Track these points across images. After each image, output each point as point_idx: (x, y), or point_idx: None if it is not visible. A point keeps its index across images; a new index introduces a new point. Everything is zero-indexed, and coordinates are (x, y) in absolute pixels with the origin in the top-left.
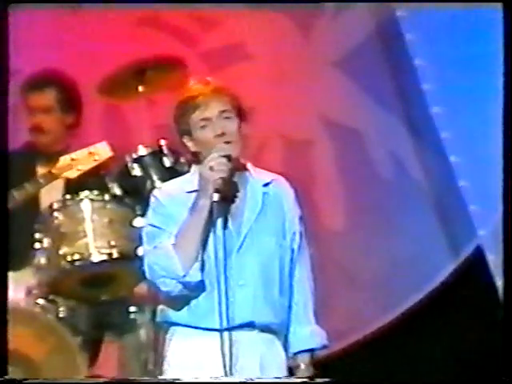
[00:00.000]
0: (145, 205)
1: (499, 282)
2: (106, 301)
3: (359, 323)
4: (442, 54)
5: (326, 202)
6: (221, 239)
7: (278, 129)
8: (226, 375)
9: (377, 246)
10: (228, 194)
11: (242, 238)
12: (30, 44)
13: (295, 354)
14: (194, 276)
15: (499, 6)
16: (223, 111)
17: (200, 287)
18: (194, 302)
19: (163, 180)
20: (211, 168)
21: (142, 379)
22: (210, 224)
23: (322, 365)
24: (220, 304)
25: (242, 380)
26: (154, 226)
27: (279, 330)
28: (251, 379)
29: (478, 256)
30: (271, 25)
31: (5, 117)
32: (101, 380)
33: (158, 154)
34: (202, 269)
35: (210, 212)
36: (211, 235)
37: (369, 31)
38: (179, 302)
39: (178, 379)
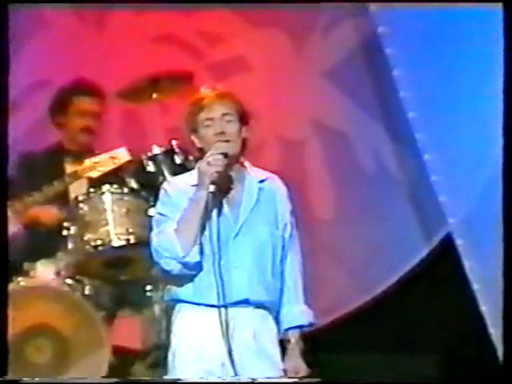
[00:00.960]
0: (158, 197)
1: (467, 264)
2: (125, 280)
3: (344, 300)
4: (417, 65)
5: (317, 194)
6: (220, 227)
7: (275, 130)
8: (226, 346)
9: (360, 233)
10: (223, 186)
11: (239, 227)
12: (58, 57)
13: (286, 329)
14: (193, 257)
15: (499, 5)
16: (226, 114)
17: (198, 267)
18: (196, 282)
19: (174, 175)
20: (208, 163)
21: (143, 379)
22: (208, 212)
23: (311, 338)
24: (218, 283)
25: (244, 380)
26: (162, 214)
27: (272, 308)
28: (252, 379)
29: (448, 241)
30: (268, 40)
31: (5, 116)
32: (101, 380)
33: (169, 152)
34: (201, 251)
35: (208, 202)
36: (210, 222)
37: (354, 46)
38: (183, 281)
39: (180, 379)
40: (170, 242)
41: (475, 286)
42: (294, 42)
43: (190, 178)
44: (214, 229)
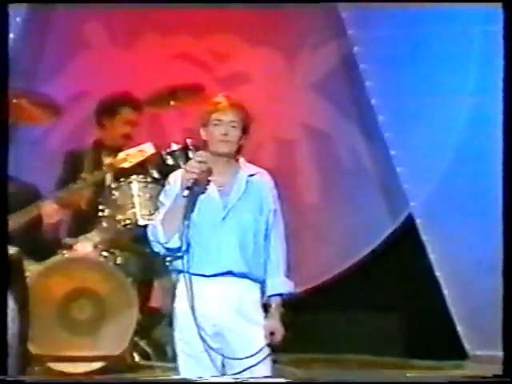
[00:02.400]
0: None
1: (424, 238)
2: (149, 253)
3: (325, 270)
4: (384, 78)
5: (305, 183)
6: (211, 210)
7: (271, 132)
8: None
9: (339, 214)
10: (218, 178)
11: (226, 211)
12: (96, 72)
13: (268, 296)
14: (174, 243)
15: (499, 6)
16: (233, 120)
17: (179, 251)
18: (190, 256)
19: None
20: (186, 170)
21: (144, 379)
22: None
23: (292, 303)
24: (206, 258)
25: (239, 380)
26: (161, 203)
27: (255, 278)
28: (250, 379)
29: (410, 220)
30: (266, 57)
31: (5, 116)
32: (103, 380)
33: (184, 149)
34: (180, 239)
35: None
36: (204, 207)
37: (335, 62)
38: (179, 256)
39: (182, 379)
40: (156, 229)
41: (431, 256)
42: (286, 58)
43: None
44: (206, 212)
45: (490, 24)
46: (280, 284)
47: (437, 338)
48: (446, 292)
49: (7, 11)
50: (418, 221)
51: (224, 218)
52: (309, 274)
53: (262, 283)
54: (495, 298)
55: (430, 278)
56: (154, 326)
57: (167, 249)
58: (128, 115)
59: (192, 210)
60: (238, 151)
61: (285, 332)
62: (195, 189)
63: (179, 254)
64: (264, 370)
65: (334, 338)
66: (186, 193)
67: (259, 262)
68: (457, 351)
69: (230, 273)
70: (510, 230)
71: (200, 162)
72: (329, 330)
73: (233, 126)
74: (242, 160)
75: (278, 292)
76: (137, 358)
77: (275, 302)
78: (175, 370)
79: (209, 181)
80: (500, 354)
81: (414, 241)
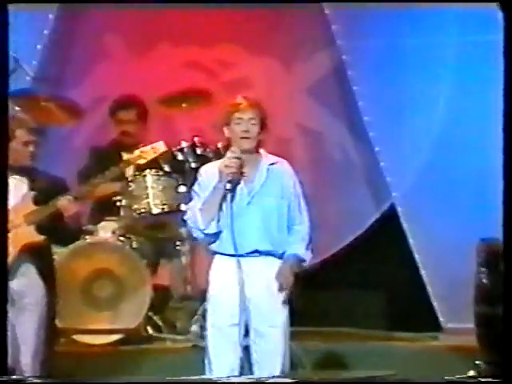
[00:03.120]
0: (184, 178)
1: (405, 225)
2: (161, 238)
3: (319, 251)
4: (369, 83)
5: (300, 176)
6: (237, 197)
7: (270, 131)
8: (239, 293)
9: (328, 203)
10: (237, 180)
11: (251, 197)
12: (115, 78)
13: (284, 253)
14: (211, 229)
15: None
16: (252, 118)
17: (216, 236)
18: (220, 239)
19: (196, 163)
20: (226, 165)
21: (146, 380)
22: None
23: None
24: (235, 239)
25: (243, 380)
26: (195, 192)
27: (279, 256)
28: (255, 378)
29: (392, 209)
30: (265, 65)
31: (5, 115)
32: (104, 380)
33: (192, 146)
34: (217, 225)
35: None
36: (231, 194)
37: (327, 69)
38: (213, 240)
39: (182, 379)
40: (195, 217)
41: (411, 241)
42: (284, 65)
43: (218, 163)
44: (233, 199)
45: (466, 35)
46: (298, 247)
47: (415, 312)
48: (423, 272)
49: (7, 11)
50: (399, 209)
51: (249, 203)
52: None
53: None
54: (466, 277)
55: (410, 260)
56: (165, 303)
57: (206, 234)
58: (122, 116)
59: (225, 200)
60: (258, 145)
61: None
62: (234, 181)
63: (211, 239)
64: (282, 342)
65: (324, 314)
66: (228, 186)
67: (283, 241)
68: (432, 324)
69: (256, 251)
70: (509, 230)
71: (237, 157)
72: (320, 306)
73: (252, 124)
74: (262, 151)
75: (294, 252)
76: (150, 330)
77: (289, 259)
78: (184, 341)
79: (242, 173)
80: (470, 325)
81: (396, 227)
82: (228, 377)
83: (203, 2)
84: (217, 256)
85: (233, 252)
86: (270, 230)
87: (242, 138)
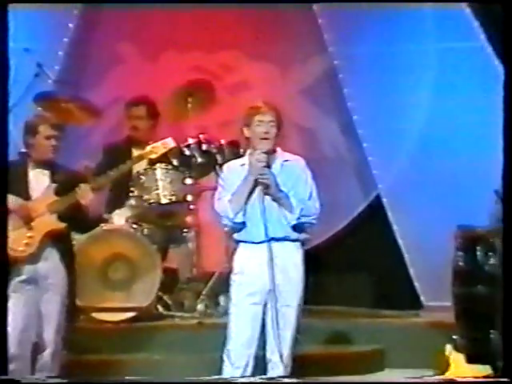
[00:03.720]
0: (191, 171)
1: (389, 213)
2: (169, 225)
3: (313, 237)
4: (358, 85)
5: None
6: (255, 190)
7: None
8: (268, 269)
9: (321, 192)
10: (266, 175)
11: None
12: (128, 81)
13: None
14: (239, 219)
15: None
16: (271, 121)
17: (243, 225)
18: (247, 229)
19: (201, 157)
20: (257, 159)
21: (145, 380)
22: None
23: None
24: (265, 224)
25: (243, 380)
26: (222, 186)
27: (294, 239)
28: (254, 378)
29: (378, 199)
30: (264, 69)
31: (5, 115)
32: (104, 380)
33: (198, 142)
34: (244, 214)
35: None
36: (258, 189)
37: (319, 72)
38: (238, 229)
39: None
40: (225, 207)
41: (395, 227)
42: (280, 70)
43: (240, 160)
44: (252, 191)
45: (445, 42)
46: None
47: (399, 292)
48: (406, 256)
49: (7, 11)
50: (384, 200)
51: (265, 195)
52: None
53: (302, 241)
54: (445, 260)
55: (394, 244)
56: (174, 284)
57: (234, 223)
58: (133, 112)
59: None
60: (275, 144)
61: None
62: (264, 174)
63: (239, 227)
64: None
65: (316, 294)
66: (260, 177)
67: (301, 225)
68: (414, 303)
69: (272, 239)
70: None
71: (265, 153)
72: (312, 286)
73: (271, 126)
74: (279, 149)
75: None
76: (160, 309)
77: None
78: (191, 318)
79: (269, 167)
80: (448, 304)
81: (381, 216)
82: (232, 377)
83: (204, 2)
84: (241, 244)
85: (253, 239)
86: (283, 218)
87: (262, 138)
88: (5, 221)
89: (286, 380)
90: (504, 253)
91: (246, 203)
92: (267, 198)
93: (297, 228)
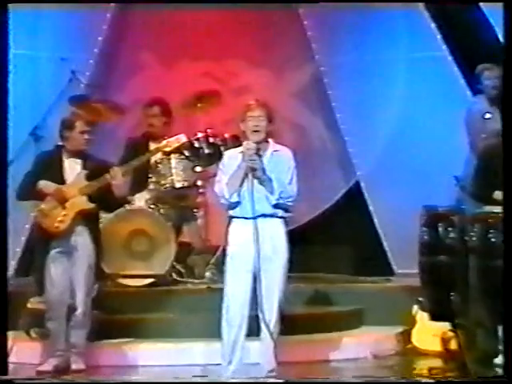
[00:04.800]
0: (200, 161)
1: (367, 196)
2: (182, 206)
3: (297, 218)
4: (341, 88)
5: None
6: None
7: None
8: (254, 242)
9: (308, 179)
10: (256, 160)
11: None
12: (146, 86)
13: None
14: (234, 199)
15: (500, 6)
16: (260, 116)
17: (237, 204)
18: (239, 206)
19: (208, 149)
20: (248, 148)
21: (146, 379)
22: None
23: None
24: (252, 204)
25: (244, 380)
26: (221, 170)
27: (280, 216)
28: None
29: (356, 186)
30: (261, 75)
31: (5, 114)
32: (104, 380)
33: (206, 136)
34: (239, 195)
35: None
36: (250, 174)
37: (307, 77)
38: (229, 206)
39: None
40: (222, 189)
41: (370, 208)
42: (276, 75)
43: (238, 149)
44: (249, 176)
45: (414, 52)
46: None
47: (374, 262)
48: (380, 231)
49: (7, 11)
50: (362, 184)
51: (258, 179)
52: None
53: (286, 218)
54: (412, 235)
55: (370, 222)
56: (186, 255)
57: (230, 202)
58: (149, 111)
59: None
60: (267, 135)
61: None
62: (254, 161)
63: (233, 205)
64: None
65: (305, 264)
66: (250, 164)
67: (282, 204)
68: (387, 270)
69: (262, 215)
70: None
71: (256, 142)
72: (302, 258)
73: (261, 120)
74: (271, 141)
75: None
76: (174, 275)
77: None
78: (200, 284)
79: (260, 155)
80: (415, 271)
81: (360, 198)
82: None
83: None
84: (233, 220)
85: (246, 215)
86: (270, 198)
87: (254, 131)
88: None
89: (286, 380)
90: (504, 252)
91: (240, 186)
92: (255, 181)
93: (280, 207)
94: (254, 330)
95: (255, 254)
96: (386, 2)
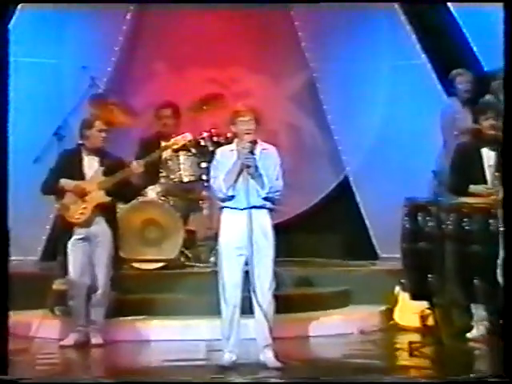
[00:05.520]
0: (205, 157)
1: (354, 189)
2: (189, 198)
3: (290, 210)
4: (331, 92)
5: (283, 155)
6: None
7: (263, 126)
8: (247, 231)
9: (302, 174)
10: (250, 158)
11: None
12: (159, 93)
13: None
14: (230, 193)
15: (500, 6)
16: (250, 119)
17: (232, 197)
18: (234, 198)
19: (213, 147)
20: (243, 147)
21: (147, 380)
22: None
23: None
24: (247, 196)
25: (243, 380)
26: (215, 167)
27: (268, 208)
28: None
29: (345, 180)
30: (260, 81)
31: (5, 114)
32: (104, 380)
33: (211, 135)
34: (234, 189)
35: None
36: (245, 170)
37: (302, 83)
38: (224, 199)
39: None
40: (220, 184)
41: (358, 199)
42: (273, 81)
43: (230, 146)
44: (244, 172)
45: (396, 61)
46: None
47: (361, 247)
48: (366, 221)
49: (8, 11)
50: (351, 179)
51: (251, 175)
52: (279, 212)
53: (273, 210)
54: (395, 223)
55: (357, 212)
56: (193, 242)
57: (227, 196)
58: (162, 113)
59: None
60: (255, 136)
61: None
62: (249, 159)
63: (229, 199)
64: (271, 265)
65: (298, 249)
66: (246, 161)
67: (270, 198)
68: (372, 255)
69: (253, 207)
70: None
71: (250, 142)
72: (296, 244)
73: (251, 123)
74: (259, 140)
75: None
76: (183, 260)
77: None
78: (205, 267)
79: (253, 153)
80: (397, 255)
81: (348, 191)
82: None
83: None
84: (226, 210)
85: (238, 206)
86: (260, 191)
87: (246, 133)
88: (4, 219)
89: (285, 381)
90: (505, 253)
91: (235, 181)
92: (249, 176)
93: (268, 200)
94: (252, 309)
95: (248, 240)
96: (379, 2)
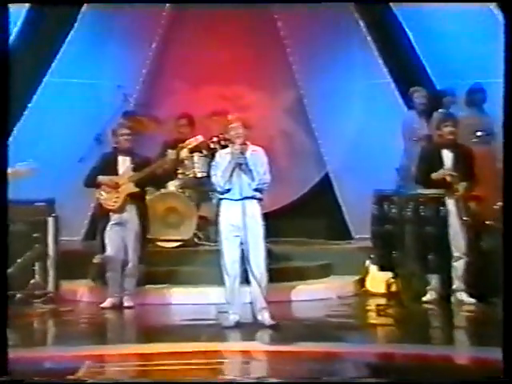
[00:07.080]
0: (215, 157)
1: (335, 184)
2: (202, 190)
3: (274, 203)
4: (315, 105)
5: (277, 155)
6: (238, 169)
7: (262, 133)
8: (241, 217)
9: (289, 171)
10: (242, 159)
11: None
12: (172, 105)
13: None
14: (227, 187)
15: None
16: (239, 126)
17: (228, 190)
18: (229, 191)
19: (221, 148)
20: (235, 149)
21: (148, 380)
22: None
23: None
24: (240, 189)
25: (244, 380)
26: (215, 165)
27: (259, 198)
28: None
29: (326, 176)
30: (260, 96)
31: (5, 115)
32: (103, 380)
33: (219, 139)
34: (230, 183)
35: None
36: (237, 168)
37: (293, 97)
38: (223, 193)
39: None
40: (218, 180)
41: (337, 193)
42: (269, 95)
43: (226, 150)
44: (236, 169)
45: (369, 80)
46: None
47: (338, 230)
48: (343, 208)
49: (7, 11)
50: (330, 175)
51: (243, 171)
52: (267, 203)
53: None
54: (366, 210)
55: (335, 202)
56: (205, 225)
57: (224, 189)
58: (180, 122)
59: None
60: (245, 139)
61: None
62: (241, 159)
63: (226, 191)
64: (262, 244)
65: (289, 232)
66: (238, 160)
67: (260, 189)
68: (348, 236)
69: (246, 198)
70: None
71: (241, 145)
72: (286, 227)
73: (239, 129)
74: (249, 143)
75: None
76: (196, 240)
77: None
78: (215, 246)
79: (243, 154)
80: (368, 236)
81: (328, 187)
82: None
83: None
84: (224, 201)
85: (233, 197)
86: (252, 184)
87: (236, 137)
88: (4, 218)
89: (286, 380)
90: (505, 253)
91: (230, 177)
92: (241, 172)
93: (258, 191)
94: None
95: (242, 225)
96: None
